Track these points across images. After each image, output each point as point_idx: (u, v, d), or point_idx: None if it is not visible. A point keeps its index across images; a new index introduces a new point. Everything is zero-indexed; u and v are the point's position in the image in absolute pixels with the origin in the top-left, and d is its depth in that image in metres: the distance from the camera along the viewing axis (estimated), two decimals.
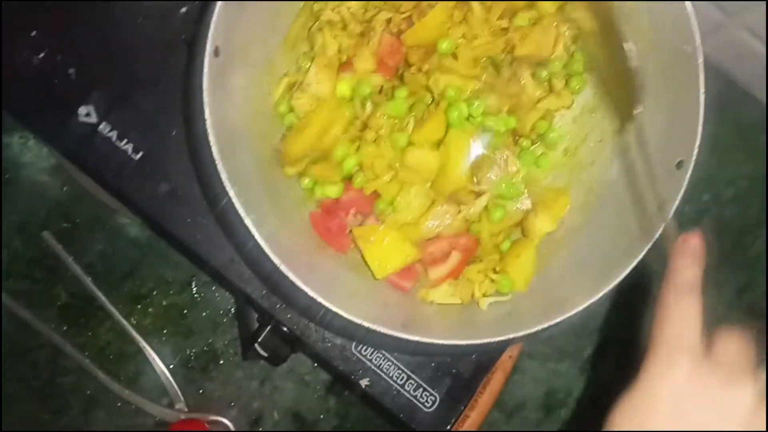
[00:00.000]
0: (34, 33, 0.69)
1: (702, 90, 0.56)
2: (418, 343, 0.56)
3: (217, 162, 0.52)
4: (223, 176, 0.52)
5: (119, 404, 0.80)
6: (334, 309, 0.54)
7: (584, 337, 0.86)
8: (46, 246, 0.80)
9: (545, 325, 0.56)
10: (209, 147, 0.53)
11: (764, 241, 0.90)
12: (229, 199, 0.53)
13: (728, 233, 0.89)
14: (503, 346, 0.68)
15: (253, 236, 0.53)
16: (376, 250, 0.60)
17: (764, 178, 0.89)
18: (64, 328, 0.80)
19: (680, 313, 0.42)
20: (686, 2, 0.56)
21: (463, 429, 0.79)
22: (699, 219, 0.89)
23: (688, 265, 0.44)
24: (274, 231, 0.56)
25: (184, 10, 0.72)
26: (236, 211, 0.53)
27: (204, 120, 0.53)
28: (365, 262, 0.61)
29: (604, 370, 0.86)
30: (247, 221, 0.53)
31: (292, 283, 0.54)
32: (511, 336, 0.56)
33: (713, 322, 0.85)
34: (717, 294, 0.88)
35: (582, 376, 0.86)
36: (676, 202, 0.56)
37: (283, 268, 0.53)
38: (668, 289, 0.44)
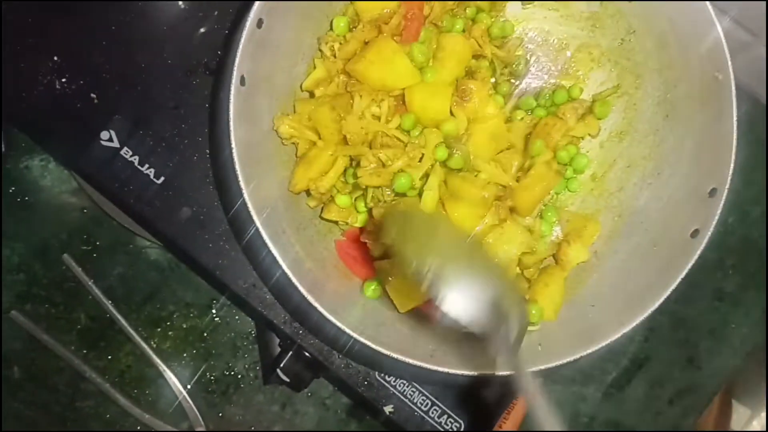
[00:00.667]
0: (56, 58, 0.69)
1: (734, 120, 0.55)
2: (446, 374, 0.55)
3: (243, 191, 0.52)
4: (250, 205, 0.52)
5: (139, 428, 0.80)
6: (362, 340, 0.53)
7: (609, 361, 0.85)
8: (66, 269, 0.80)
9: (576, 356, 0.55)
10: (235, 176, 0.53)
11: None
12: (255, 227, 0.53)
13: (755, 253, 0.88)
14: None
15: (279, 265, 0.52)
16: (397, 285, 0.59)
17: None
18: (84, 351, 0.80)
19: None
20: (719, 30, 0.55)
21: None
22: (725, 240, 0.88)
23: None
24: (300, 260, 0.56)
25: (202, 30, 0.72)
26: (261, 240, 0.52)
27: (230, 149, 0.52)
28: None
29: (629, 394, 0.85)
30: (274, 251, 0.52)
31: (319, 313, 0.53)
32: (542, 367, 0.55)
33: (742, 345, 0.85)
34: (744, 315, 0.87)
35: (606, 400, 0.85)
36: (710, 230, 0.55)
37: (309, 298, 0.53)
38: None
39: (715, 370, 0.86)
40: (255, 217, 0.52)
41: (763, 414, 0.90)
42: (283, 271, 0.52)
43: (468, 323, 0.49)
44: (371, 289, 0.60)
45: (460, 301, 0.49)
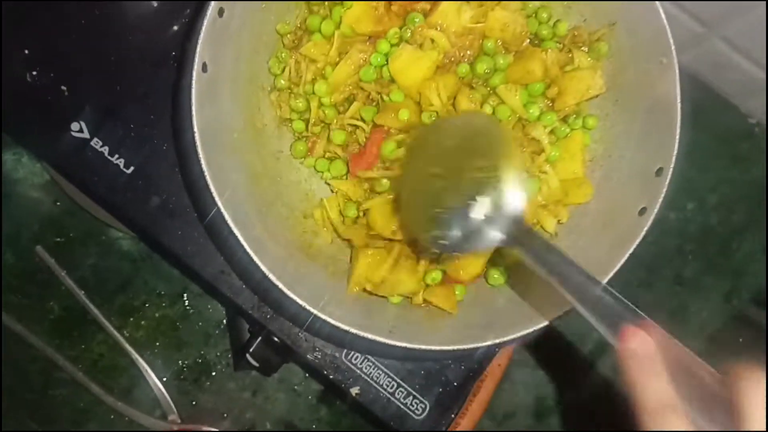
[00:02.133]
0: (27, 51, 0.70)
1: (678, 100, 0.57)
2: (405, 348, 0.57)
3: (205, 173, 0.53)
4: (212, 187, 0.53)
5: (112, 416, 0.81)
6: (322, 316, 0.55)
7: (572, 344, 0.87)
8: (39, 260, 0.81)
9: (528, 330, 0.57)
10: (198, 159, 0.54)
11: (750, 245, 0.91)
12: (218, 209, 0.54)
13: (714, 240, 0.90)
14: (490, 352, 0.69)
15: (242, 246, 0.54)
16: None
17: (747, 183, 0.91)
18: (57, 341, 0.81)
19: (648, 389, 0.34)
20: (662, 17, 0.58)
21: None
22: (685, 227, 0.90)
23: (647, 379, 0.35)
24: (263, 241, 0.57)
25: (175, 28, 0.74)
26: (225, 222, 0.54)
27: (193, 132, 0.54)
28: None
29: (594, 377, 0.87)
30: (236, 231, 0.54)
31: (281, 292, 0.55)
32: (495, 341, 0.57)
33: (701, 329, 0.87)
34: (705, 300, 0.89)
35: (570, 384, 0.87)
36: (656, 208, 0.57)
37: (271, 276, 0.54)
38: (640, 414, 0.35)
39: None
40: (216, 198, 0.53)
41: None
42: (245, 250, 0.54)
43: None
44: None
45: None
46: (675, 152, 0.57)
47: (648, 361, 0.35)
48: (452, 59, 0.63)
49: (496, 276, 0.64)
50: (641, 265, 0.88)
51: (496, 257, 0.63)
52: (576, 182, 0.64)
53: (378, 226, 0.62)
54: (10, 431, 0.77)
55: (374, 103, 0.65)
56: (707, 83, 0.90)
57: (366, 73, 0.63)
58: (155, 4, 0.76)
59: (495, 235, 0.49)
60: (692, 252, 0.90)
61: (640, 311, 0.37)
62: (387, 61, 0.62)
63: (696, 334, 0.89)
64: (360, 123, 0.64)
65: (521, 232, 0.48)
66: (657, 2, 0.59)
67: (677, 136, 0.57)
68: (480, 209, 0.49)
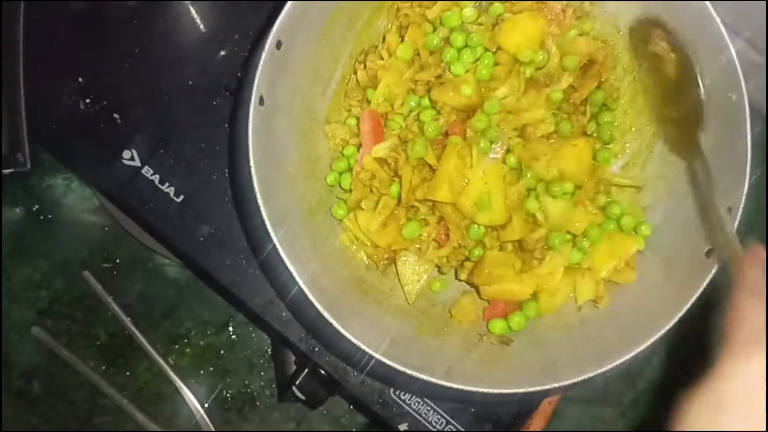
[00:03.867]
0: (81, 79, 0.71)
1: (749, 139, 0.55)
2: (460, 391, 0.56)
3: (261, 209, 0.53)
4: (268, 223, 0.53)
5: None
6: (377, 356, 0.54)
7: (626, 382, 0.84)
8: (87, 286, 0.81)
9: (591, 374, 0.55)
10: (253, 193, 0.54)
11: None
12: (273, 245, 0.53)
13: None
14: (546, 394, 0.67)
15: (296, 282, 0.53)
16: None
17: None
18: (103, 367, 0.81)
19: (752, 313, 0.41)
20: (732, 52, 0.56)
21: None
22: None
23: (758, 273, 0.43)
24: (317, 277, 0.56)
25: (222, 53, 0.74)
26: (279, 257, 0.53)
27: (249, 167, 0.53)
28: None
29: (646, 415, 0.84)
30: (291, 268, 0.53)
31: (335, 329, 0.54)
32: (556, 385, 0.55)
33: None
34: None
35: (622, 420, 0.84)
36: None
37: (326, 314, 0.53)
38: (740, 293, 0.43)
39: None
40: (272, 234, 0.53)
41: None
42: (299, 287, 0.53)
43: None
44: None
45: None
46: (745, 191, 0.55)
47: (763, 265, 0.42)
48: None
49: (497, 326, 0.62)
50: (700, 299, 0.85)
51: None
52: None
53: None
54: None
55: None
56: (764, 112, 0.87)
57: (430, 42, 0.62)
58: (203, 28, 0.76)
59: None
60: None
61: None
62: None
63: None
64: None
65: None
66: (725, 35, 0.57)
67: (747, 174, 0.55)
68: None
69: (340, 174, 0.64)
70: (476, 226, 0.60)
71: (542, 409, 0.78)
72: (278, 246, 0.53)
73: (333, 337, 0.54)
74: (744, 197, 0.55)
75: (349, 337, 0.53)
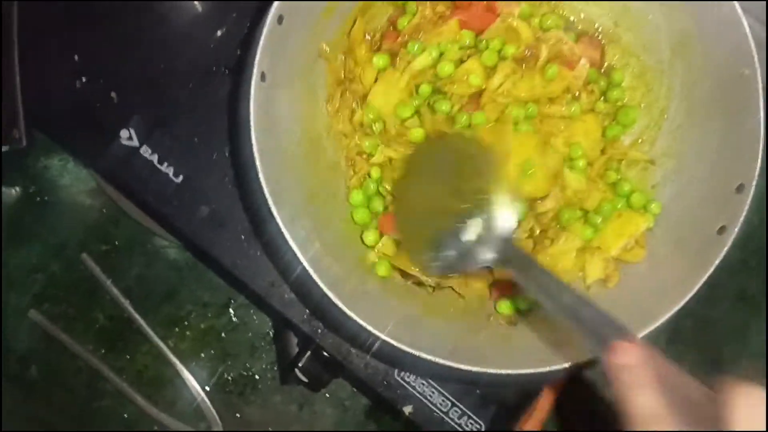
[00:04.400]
0: (76, 58, 0.69)
1: (762, 114, 0.54)
2: (466, 372, 0.55)
3: (264, 188, 0.52)
4: (271, 204, 0.52)
5: (156, 428, 0.79)
6: (383, 336, 0.53)
7: None
8: (85, 268, 0.80)
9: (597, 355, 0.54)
10: (256, 173, 0.52)
11: None
12: (276, 224, 0.52)
13: None
14: (553, 376, 0.66)
15: (299, 262, 0.52)
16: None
17: None
18: (102, 351, 0.80)
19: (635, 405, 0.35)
20: (745, 26, 0.55)
21: None
22: (746, 243, 0.86)
23: (635, 392, 0.36)
24: (321, 258, 0.55)
25: (220, 33, 0.72)
26: (282, 237, 0.52)
27: (251, 146, 0.52)
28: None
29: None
30: (294, 247, 0.52)
31: (339, 310, 0.53)
32: (568, 365, 0.54)
33: (762, 348, 0.83)
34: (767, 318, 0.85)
35: None
36: (737, 226, 0.54)
37: (330, 294, 0.52)
38: (629, 426, 0.36)
39: (740, 373, 0.84)
40: (276, 214, 0.51)
41: None
42: (303, 267, 0.52)
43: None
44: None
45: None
46: (758, 168, 0.54)
47: (636, 374, 0.36)
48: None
49: (504, 306, 0.61)
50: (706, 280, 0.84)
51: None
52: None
53: None
54: None
55: None
56: None
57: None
58: (198, 6, 0.74)
59: (486, 256, 0.51)
60: (757, 268, 0.86)
61: (628, 328, 0.40)
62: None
63: (757, 354, 0.85)
64: None
65: (511, 253, 0.51)
66: (738, 10, 0.56)
67: (761, 151, 0.54)
68: (471, 231, 0.52)
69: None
70: None
71: (548, 389, 0.78)
72: (281, 226, 0.51)
73: (338, 318, 0.53)
74: (757, 174, 0.54)
75: (354, 317, 0.53)
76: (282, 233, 0.52)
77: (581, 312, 0.43)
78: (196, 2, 0.75)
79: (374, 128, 0.61)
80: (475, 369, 0.55)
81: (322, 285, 0.52)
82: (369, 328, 0.53)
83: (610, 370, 0.37)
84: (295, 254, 0.52)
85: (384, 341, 0.54)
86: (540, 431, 0.77)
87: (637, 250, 0.60)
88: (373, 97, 0.61)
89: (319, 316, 0.64)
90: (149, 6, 0.72)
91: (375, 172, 0.62)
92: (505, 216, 0.52)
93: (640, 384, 0.35)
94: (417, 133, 0.60)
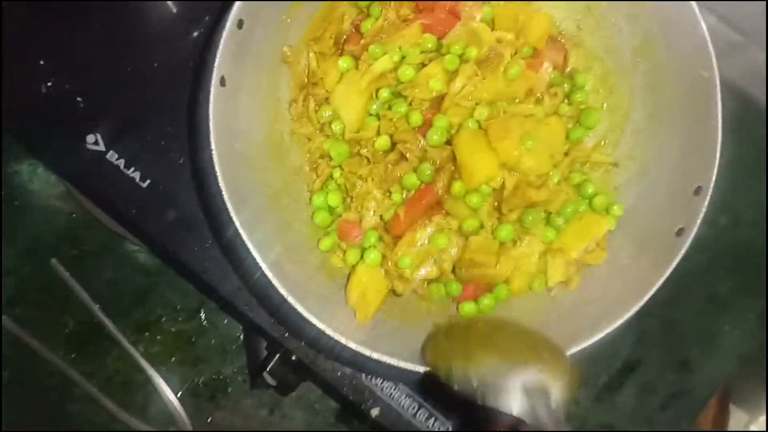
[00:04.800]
0: (42, 62, 0.69)
1: (719, 118, 0.55)
2: (429, 373, 0.55)
3: (223, 191, 0.51)
4: (229, 206, 0.51)
5: None
6: (343, 341, 0.53)
7: (600, 365, 0.84)
8: (55, 273, 0.79)
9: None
10: (215, 177, 0.52)
11: None
12: (235, 229, 0.52)
13: (748, 257, 0.87)
14: None
15: (259, 266, 0.52)
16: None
17: None
18: (72, 356, 0.79)
19: None
20: (704, 29, 0.55)
21: None
22: (717, 243, 0.87)
23: None
24: (282, 262, 0.55)
25: (194, 35, 0.72)
26: (242, 241, 0.52)
27: (210, 150, 0.52)
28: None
29: (621, 398, 0.84)
30: (254, 251, 0.52)
31: (300, 315, 0.53)
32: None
33: (734, 351, 0.84)
34: (738, 319, 0.86)
35: (599, 404, 0.84)
36: (695, 228, 0.54)
37: (290, 299, 0.52)
38: None
39: (709, 374, 0.85)
40: (234, 217, 0.51)
41: (762, 418, 0.89)
42: (263, 272, 0.52)
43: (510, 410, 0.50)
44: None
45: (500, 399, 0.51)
46: (715, 171, 0.55)
47: None
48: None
49: (467, 308, 0.61)
50: (672, 281, 0.84)
51: None
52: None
53: None
54: None
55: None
56: (744, 93, 0.86)
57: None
58: (172, 6, 0.74)
59: (522, 410, 0.50)
60: (726, 269, 0.86)
61: None
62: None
63: (730, 355, 0.85)
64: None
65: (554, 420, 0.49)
66: (697, 12, 0.56)
67: (718, 154, 0.55)
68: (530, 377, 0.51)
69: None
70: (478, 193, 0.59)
71: None
72: (240, 228, 0.51)
73: (299, 322, 0.53)
74: (714, 176, 0.54)
75: (316, 322, 0.53)
76: (241, 237, 0.52)
77: None
78: (169, 2, 0.74)
79: (334, 128, 0.61)
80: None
81: (281, 289, 0.52)
82: (330, 332, 0.53)
83: None
84: (254, 259, 0.52)
85: (346, 346, 0.54)
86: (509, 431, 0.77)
87: (599, 252, 0.60)
88: (334, 97, 0.61)
89: (281, 321, 0.64)
90: (119, 6, 0.72)
91: (337, 174, 0.61)
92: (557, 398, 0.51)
93: None
94: (382, 142, 0.60)
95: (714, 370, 0.85)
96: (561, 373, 0.51)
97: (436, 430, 0.67)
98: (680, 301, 0.84)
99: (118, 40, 0.71)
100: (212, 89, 0.53)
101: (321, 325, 0.53)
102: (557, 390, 0.50)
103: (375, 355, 0.53)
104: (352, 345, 0.53)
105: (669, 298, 0.83)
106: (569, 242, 0.60)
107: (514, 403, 0.50)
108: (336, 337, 0.53)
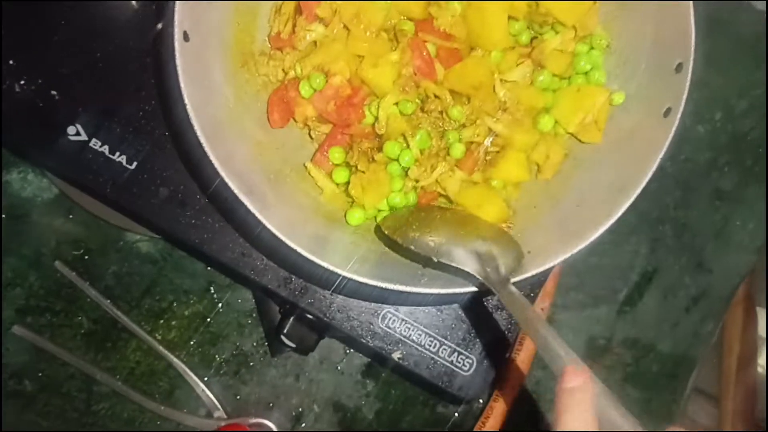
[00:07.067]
0: (11, 61, 0.69)
1: None
2: (440, 296, 0.55)
3: (202, 142, 0.51)
4: (211, 156, 0.51)
5: (159, 422, 0.79)
6: (350, 276, 0.53)
7: (618, 279, 0.83)
8: (61, 276, 0.79)
9: (568, 254, 0.53)
10: (194, 132, 0.52)
11: None
12: (222, 180, 0.52)
13: (747, 147, 0.86)
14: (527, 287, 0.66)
15: (255, 218, 0.52)
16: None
17: None
18: (92, 355, 0.79)
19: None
20: None
21: (506, 389, 0.77)
22: (715, 139, 0.86)
23: (576, 409, 0.41)
24: (276, 207, 0.55)
25: (159, 27, 0.71)
26: (232, 193, 0.52)
27: (184, 104, 0.52)
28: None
29: (644, 309, 0.83)
30: (243, 198, 0.51)
31: (305, 258, 0.52)
32: (535, 271, 0.54)
33: (750, 241, 0.82)
34: (748, 211, 0.85)
35: (621, 319, 0.83)
36: (681, 106, 0.54)
37: (288, 241, 0.52)
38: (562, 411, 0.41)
39: (727, 270, 0.84)
40: (218, 167, 0.51)
41: None
42: (262, 224, 0.52)
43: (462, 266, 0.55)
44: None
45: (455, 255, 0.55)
46: (693, 43, 0.54)
47: (580, 396, 0.41)
48: None
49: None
50: (677, 184, 0.84)
51: None
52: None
53: None
54: None
55: None
56: None
57: None
58: (135, 5, 0.74)
59: (475, 268, 0.54)
60: (728, 164, 0.85)
61: (579, 360, 0.44)
62: None
63: (746, 248, 0.84)
64: None
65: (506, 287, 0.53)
66: None
67: (692, 26, 0.54)
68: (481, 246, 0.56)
69: None
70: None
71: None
72: (225, 177, 0.51)
73: (305, 266, 0.53)
74: (692, 49, 0.54)
75: (317, 260, 0.52)
76: (230, 188, 0.51)
77: (548, 341, 0.46)
78: (133, 2, 0.74)
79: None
80: (446, 291, 0.54)
81: (275, 230, 0.51)
82: (332, 268, 0.52)
83: (561, 390, 0.42)
84: (251, 212, 0.52)
85: (354, 281, 0.53)
86: (499, 431, 0.76)
87: (595, 131, 0.60)
88: None
89: (291, 270, 0.63)
90: (81, 5, 0.72)
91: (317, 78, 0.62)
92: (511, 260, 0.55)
93: (582, 403, 0.41)
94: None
95: (732, 266, 0.84)
96: (509, 249, 0.56)
97: (460, 364, 0.67)
98: (688, 204, 0.84)
99: (85, 32, 0.71)
100: (176, 45, 0.52)
101: (322, 263, 0.52)
102: (505, 260, 0.55)
103: (380, 284, 0.53)
104: (358, 278, 0.53)
105: (677, 203, 0.83)
106: (565, 115, 0.60)
107: (467, 261, 0.54)
108: (339, 272, 0.53)
